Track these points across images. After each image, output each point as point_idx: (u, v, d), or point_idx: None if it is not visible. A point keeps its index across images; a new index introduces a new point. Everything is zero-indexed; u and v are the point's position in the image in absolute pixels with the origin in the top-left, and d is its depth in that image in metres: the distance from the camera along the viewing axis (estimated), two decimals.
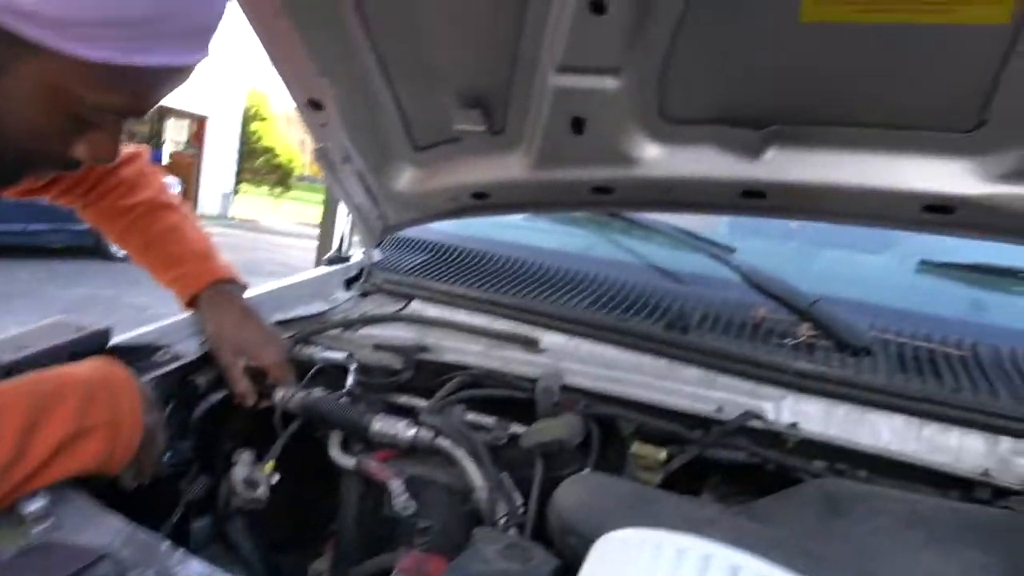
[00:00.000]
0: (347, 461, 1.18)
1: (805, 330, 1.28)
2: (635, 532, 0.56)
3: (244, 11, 1.10)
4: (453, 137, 1.31)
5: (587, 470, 1.10)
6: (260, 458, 1.16)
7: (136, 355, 1.14)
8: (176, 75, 0.76)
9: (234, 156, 20.63)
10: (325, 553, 1.31)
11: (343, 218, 1.80)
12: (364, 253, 1.68)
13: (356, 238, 1.72)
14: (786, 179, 1.08)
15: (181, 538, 1.17)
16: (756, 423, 1.11)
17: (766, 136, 1.06)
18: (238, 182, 22.37)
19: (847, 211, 1.10)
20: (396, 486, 1.07)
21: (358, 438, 1.21)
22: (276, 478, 1.13)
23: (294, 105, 1.28)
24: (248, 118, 21.33)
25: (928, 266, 1.48)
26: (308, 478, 1.31)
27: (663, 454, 1.06)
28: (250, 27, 1.13)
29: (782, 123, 1.03)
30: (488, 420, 1.24)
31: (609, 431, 1.20)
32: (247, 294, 1.36)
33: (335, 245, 1.77)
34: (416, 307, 1.53)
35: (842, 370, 1.15)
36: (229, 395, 1.24)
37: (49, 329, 1.09)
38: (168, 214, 1.32)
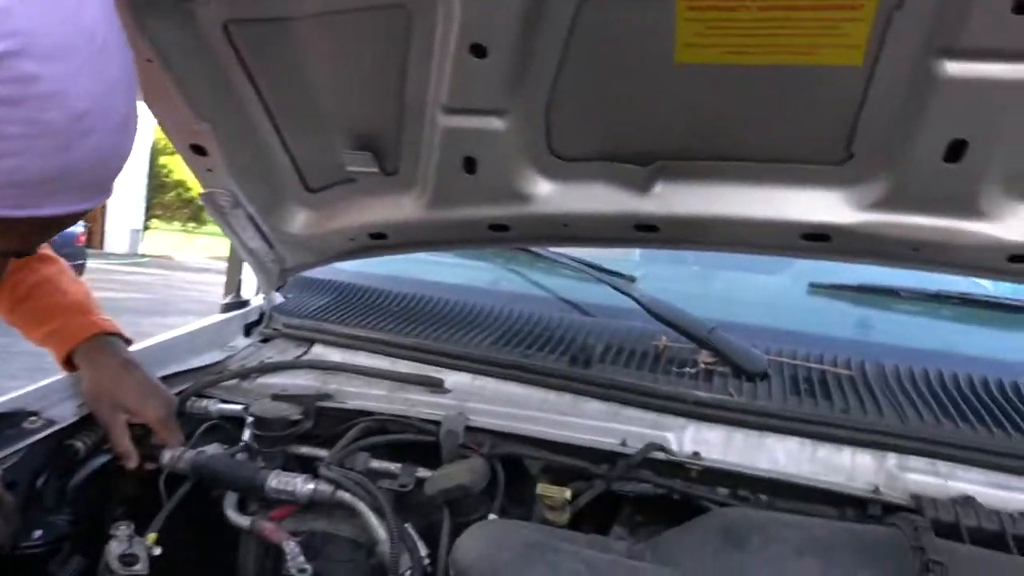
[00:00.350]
0: (243, 521, 1.12)
1: (704, 358, 1.30)
2: None
3: None
4: (347, 178, 1.29)
5: (492, 516, 1.08)
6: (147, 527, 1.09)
7: (2, 423, 1.06)
8: (74, 218, 0.73)
9: (142, 191, 19.82)
10: None
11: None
12: (264, 297, 1.63)
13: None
14: (675, 212, 1.10)
15: None
16: (659, 454, 1.12)
17: (652, 172, 1.08)
18: (148, 218, 21.51)
19: (734, 241, 1.13)
20: (291, 548, 1.03)
21: (255, 496, 1.16)
22: (157, 551, 1.05)
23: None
24: (156, 151, 20.55)
25: (818, 288, 1.54)
26: (211, 540, 1.24)
27: (567, 493, 1.05)
28: None
29: (666, 159, 1.05)
30: (394, 466, 1.20)
31: (518, 471, 1.19)
32: (134, 347, 1.29)
33: (232, 290, 1.70)
34: (318, 351, 1.48)
35: (739, 397, 1.17)
36: (113, 459, 1.16)
37: None
38: (42, 266, 1.24)
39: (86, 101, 0.63)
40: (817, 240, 1.08)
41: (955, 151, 0.92)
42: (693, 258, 1.84)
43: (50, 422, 1.10)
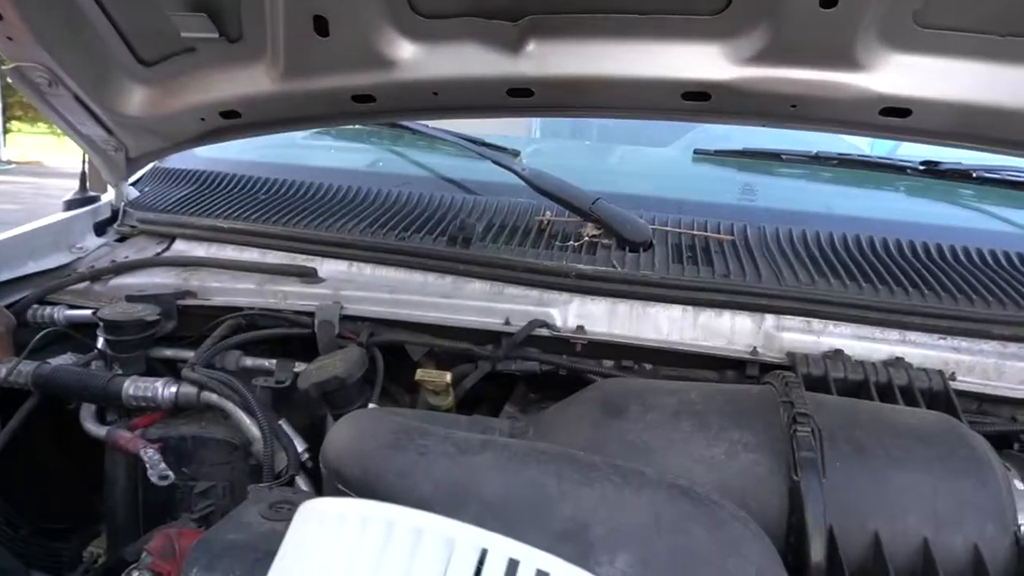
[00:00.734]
0: (100, 432, 1.04)
1: (590, 230, 1.26)
2: (334, 503, 0.49)
3: None
4: (186, 48, 1.13)
5: (372, 405, 1.03)
6: None
7: None
8: None
9: None
10: (103, 534, 1.18)
11: None
12: (115, 191, 1.46)
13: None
14: (549, 73, 1.02)
15: None
16: (543, 331, 1.09)
17: (523, 29, 0.99)
18: (7, 120, 19.47)
19: (612, 103, 1.07)
20: (149, 456, 0.96)
21: (113, 406, 1.07)
22: None
23: None
24: None
25: (702, 155, 1.51)
26: (75, 454, 1.15)
27: (447, 377, 1.01)
28: None
29: (535, 13, 0.96)
30: (268, 363, 1.13)
31: (401, 358, 1.14)
32: None
33: (80, 184, 1.52)
34: (180, 248, 1.35)
35: (623, 268, 1.15)
36: None
37: None
38: None
39: None
40: (697, 99, 1.03)
41: None
42: (593, 134, 1.78)
43: None
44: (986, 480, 0.72)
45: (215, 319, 1.17)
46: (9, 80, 1.10)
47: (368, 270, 1.22)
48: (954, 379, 1.00)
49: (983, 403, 1.02)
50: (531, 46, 1.02)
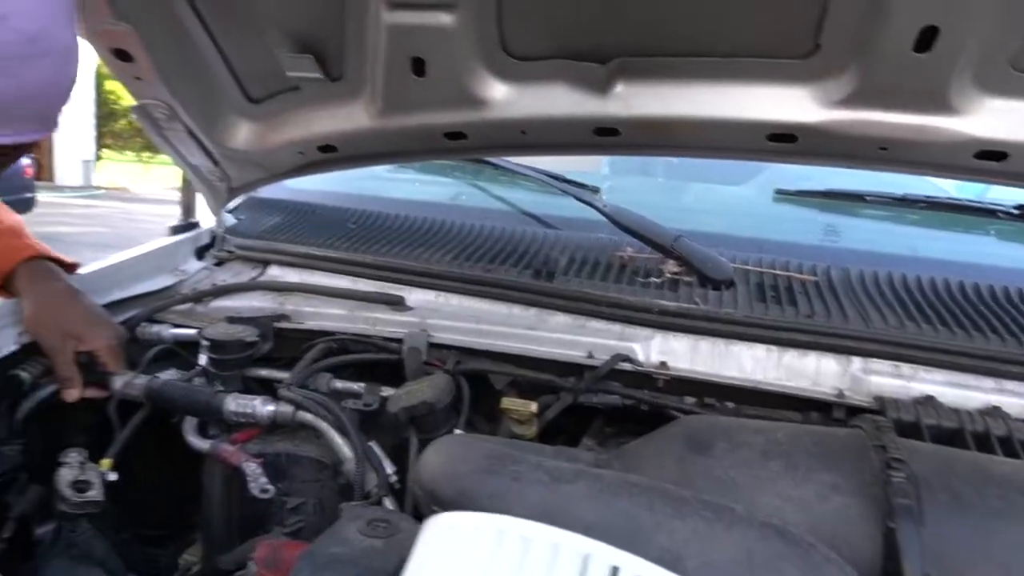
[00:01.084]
0: (203, 445, 1.10)
1: (670, 267, 1.28)
2: (467, 517, 0.52)
3: None
4: (290, 86, 1.21)
5: (458, 431, 1.06)
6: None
7: None
8: (20, 150, 0.74)
9: (91, 120, 18.93)
10: (197, 542, 1.24)
11: None
12: (216, 219, 1.55)
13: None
14: (636, 114, 1.05)
15: (26, 549, 1.07)
16: (626, 365, 1.11)
17: (611, 70, 1.02)
18: (99, 148, 20.64)
19: (698, 144, 1.09)
20: (251, 469, 1.00)
21: (214, 420, 1.13)
22: (113, 476, 1.02)
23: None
24: (101, 77, 19.55)
25: (783, 195, 1.51)
26: (175, 466, 1.22)
27: (533, 406, 1.03)
28: None
29: (625, 55, 0.99)
30: (357, 386, 1.18)
31: (483, 387, 1.17)
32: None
33: (185, 212, 1.62)
34: (274, 273, 1.43)
35: (705, 305, 1.16)
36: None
37: None
38: None
39: (33, 24, 0.61)
40: (783, 141, 1.04)
41: (926, 39, 0.87)
42: (660, 170, 1.80)
43: None
44: None
45: (308, 342, 1.22)
46: (127, 116, 1.20)
47: (455, 300, 1.26)
48: None
49: None
50: (619, 87, 1.05)
